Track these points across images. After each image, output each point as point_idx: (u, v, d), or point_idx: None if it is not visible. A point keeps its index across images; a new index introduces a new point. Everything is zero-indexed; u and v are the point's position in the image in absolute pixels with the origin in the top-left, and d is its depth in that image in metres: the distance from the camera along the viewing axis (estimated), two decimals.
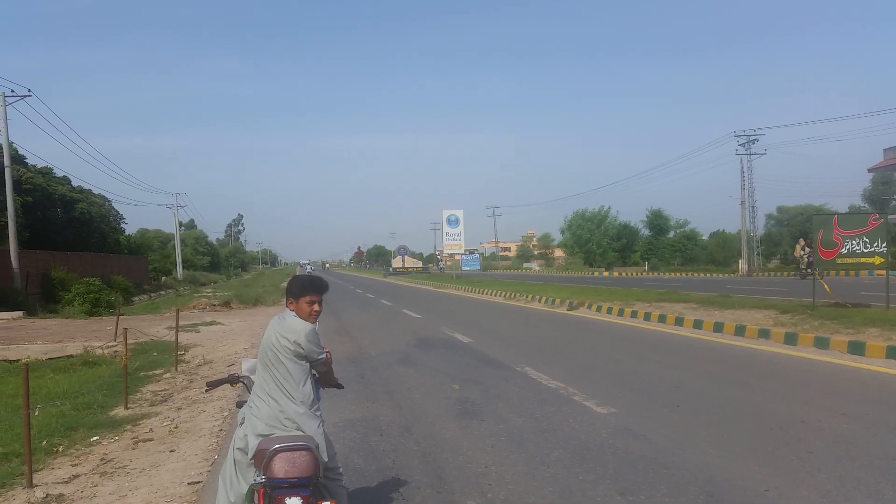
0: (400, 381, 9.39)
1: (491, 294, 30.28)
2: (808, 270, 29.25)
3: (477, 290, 33.55)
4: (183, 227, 73.20)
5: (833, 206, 72.97)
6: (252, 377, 3.74)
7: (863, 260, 14.98)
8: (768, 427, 6.20)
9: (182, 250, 66.05)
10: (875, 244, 14.74)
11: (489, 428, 6.54)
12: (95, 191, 47.62)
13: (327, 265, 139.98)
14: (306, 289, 3.62)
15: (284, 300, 3.71)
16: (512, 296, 27.42)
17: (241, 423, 3.54)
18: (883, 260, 14.93)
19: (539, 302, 23.95)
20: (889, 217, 16.36)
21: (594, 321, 17.17)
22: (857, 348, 10.17)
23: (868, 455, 5.26)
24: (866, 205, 67.31)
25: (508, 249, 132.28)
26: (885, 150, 45.37)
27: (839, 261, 14.97)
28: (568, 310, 20.51)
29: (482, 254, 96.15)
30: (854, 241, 14.75)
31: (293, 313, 3.62)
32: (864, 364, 9.35)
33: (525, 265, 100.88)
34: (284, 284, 3.83)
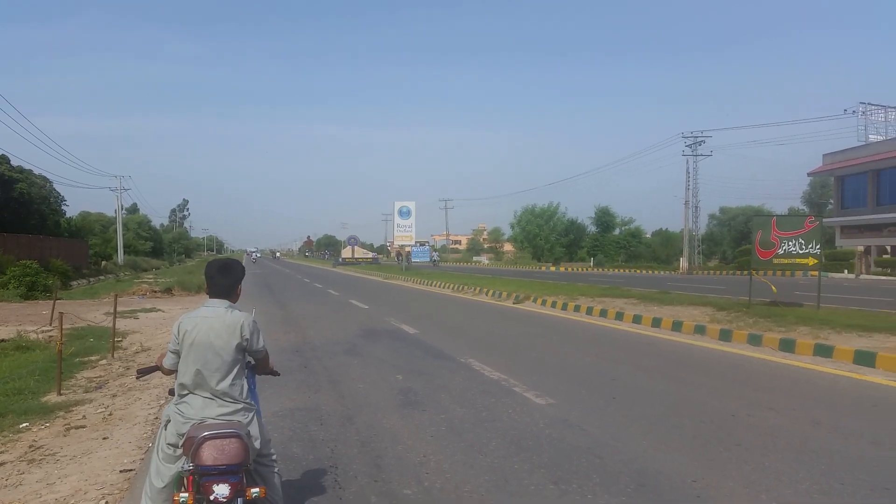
0: (344, 371, 9.37)
1: (439, 286, 30.37)
2: None
3: (426, 282, 33.60)
4: (126, 212, 71.23)
5: (774, 207, 75.60)
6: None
7: (798, 261, 15.54)
8: (700, 420, 6.41)
9: (124, 235, 64.23)
10: (810, 246, 15.31)
11: (430, 418, 6.59)
12: (36, 171, 46.01)
13: (278, 254, 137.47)
14: (241, 273, 3.66)
15: (218, 292, 3.61)
16: (460, 288, 27.56)
17: (167, 422, 3.47)
18: (816, 261, 15.52)
19: (486, 295, 24.14)
20: (824, 220, 16.99)
21: (539, 315, 17.39)
22: (787, 346, 10.55)
23: (791, 448, 5.48)
24: (805, 207, 69.83)
25: (459, 243, 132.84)
26: (824, 154, 47.00)
27: (775, 261, 15.50)
28: (514, 303, 20.72)
29: (433, 246, 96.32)
30: (790, 243, 15.29)
31: (227, 302, 3.58)
32: (794, 361, 9.71)
33: (475, 258, 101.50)
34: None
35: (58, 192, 51.09)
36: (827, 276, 26.19)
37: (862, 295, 20.00)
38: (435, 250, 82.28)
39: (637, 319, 14.72)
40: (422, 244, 76.31)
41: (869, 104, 44.93)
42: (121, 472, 5.23)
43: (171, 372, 3.65)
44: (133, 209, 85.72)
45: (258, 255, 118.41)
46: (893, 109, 45.09)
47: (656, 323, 13.96)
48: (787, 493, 4.46)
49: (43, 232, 41.80)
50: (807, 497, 4.40)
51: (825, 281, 14.50)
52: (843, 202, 45.98)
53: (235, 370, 3.47)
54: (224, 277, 3.62)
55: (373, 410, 6.97)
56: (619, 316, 15.45)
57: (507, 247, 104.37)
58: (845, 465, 5.02)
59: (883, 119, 44.87)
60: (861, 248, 42.09)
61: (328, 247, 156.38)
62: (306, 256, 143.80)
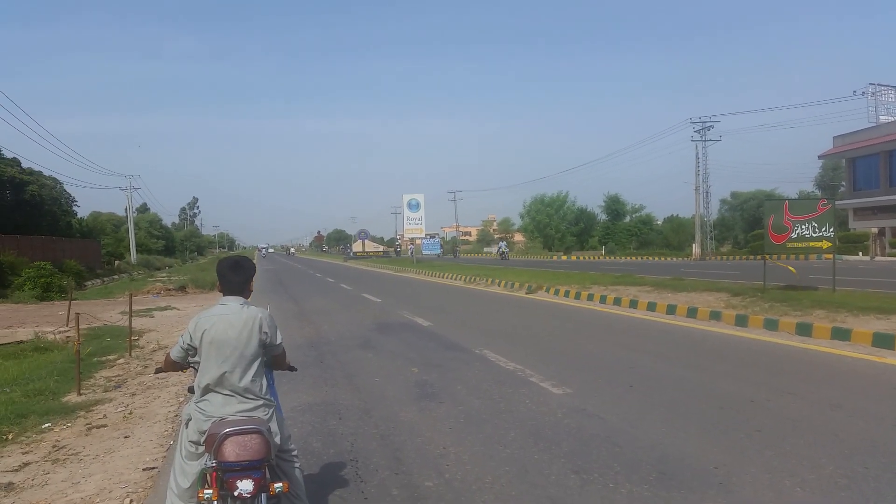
0: (359, 365, 9.39)
1: (451, 278, 30.38)
2: None
3: (437, 274, 33.62)
4: (136, 211, 71.57)
5: (785, 191, 75.04)
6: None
7: (811, 244, 15.42)
8: (719, 407, 6.38)
9: (136, 234, 64.60)
10: (823, 229, 15.17)
11: (448, 410, 6.60)
12: (46, 173, 46.34)
13: (292, 250, 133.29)
14: (253, 270, 3.68)
15: (232, 289, 3.63)
16: (472, 280, 27.55)
17: (188, 421, 3.50)
18: (830, 244, 15.39)
19: (499, 286, 24.12)
20: (837, 203, 16.86)
21: (552, 304, 17.37)
22: (804, 330, 10.49)
23: (812, 432, 5.46)
24: (817, 190, 69.29)
25: (469, 234, 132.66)
26: (834, 137, 46.61)
27: (789, 245, 15.39)
28: (527, 293, 20.70)
29: (443, 238, 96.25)
30: (803, 226, 15.17)
31: (241, 299, 3.60)
32: (811, 345, 9.66)
33: (485, 249, 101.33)
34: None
35: (68, 194, 51.45)
36: (841, 258, 26.03)
37: (878, 277, 19.85)
38: (501, 241, 75.75)
39: (651, 307, 14.67)
40: (432, 236, 76.25)
41: (879, 85, 44.46)
42: (144, 470, 5.28)
43: (180, 366, 3.67)
44: (143, 208, 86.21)
45: (270, 250, 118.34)
46: None
47: (671, 310, 13.91)
48: (811, 479, 4.44)
49: (55, 233, 42.09)
50: (831, 482, 4.38)
51: (840, 264, 14.38)
52: (855, 184, 45.61)
53: (256, 366, 3.48)
54: (236, 274, 3.64)
55: (390, 403, 6.99)
56: (634, 304, 15.40)
57: (518, 237, 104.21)
58: (868, 449, 4.99)
59: (893, 100, 44.39)
60: (875, 230, 41.76)
61: (339, 241, 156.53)
62: (324, 251, 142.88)
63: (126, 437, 6.33)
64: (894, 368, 7.93)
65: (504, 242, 72.42)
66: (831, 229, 15.27)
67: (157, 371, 4.03)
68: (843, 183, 51.56)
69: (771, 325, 11.15)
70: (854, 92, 45.30)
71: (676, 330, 11.80)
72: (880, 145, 41.29)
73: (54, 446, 6.10)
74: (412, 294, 22.81)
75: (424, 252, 64.35)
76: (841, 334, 9.85)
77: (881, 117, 43.65)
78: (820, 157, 52.91)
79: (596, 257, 61.54)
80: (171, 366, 3.71)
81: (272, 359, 3.78)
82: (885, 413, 5.98)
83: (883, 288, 15.13)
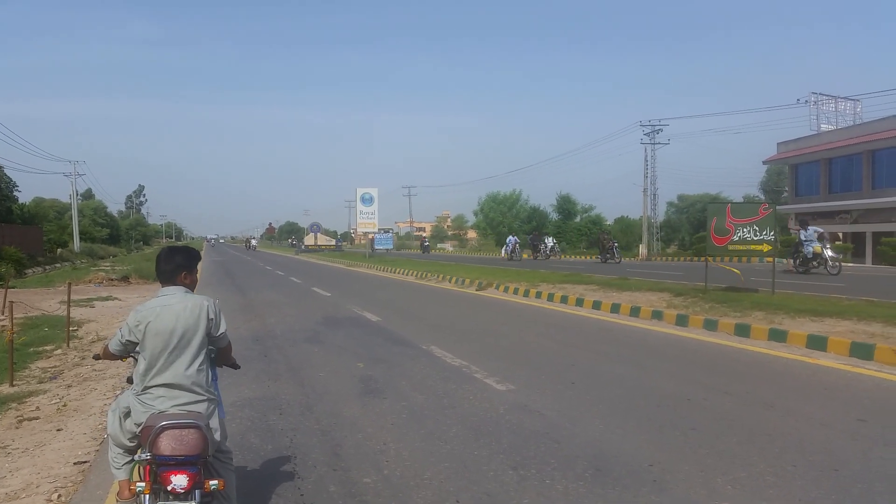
0: (305, 359, 9.31)
1: (403, 274, 30.32)
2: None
3: (389, 269, 33.51)
4: (81, 197, 69.54)
5: (731, 195, 77.04)
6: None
7: (752, 247, 15.84)
8: (656, 404, 6.52)
9: (80, 221, 62.68)
10: (764, 232, 15.61)
11: (391, 406, 6.59)
12: None
13: (253, 242, 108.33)
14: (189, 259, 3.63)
15: (166, 278, 3.59)
16: (423, 276, 27.54)
17: (126, 413, 3.43)
18: (770, 247, 15.85)
19: (449, 282, 24.17)
20: (779, 208, 17.36)
21: (501, 301, 17.49)
22: (742, 330, 10.78)
23: (745, 431, 5.61)
24: (762, 194, 71.24)
25: (423, 230, 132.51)
26: (778, 143, 47.93)
27: (731, 247, 15.79)
28: (477, 290, 20.79)
29: (396, 233, 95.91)
30: (745, 229, 15.57)
31: (183, 289, 3.53)
32: (749, 345, 9.93)
33: (439, 246, 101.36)
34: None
35: (9, 178, 49.55)
36: (782, 262, 26.75)
37: (815, 281, 20.50)
38: (399, 238, 75.72)
39: (597, 305, 14.89)
40: (385, 231, 75.95)
41: (820, 94, 45.88)
42: (75, 464, 5.14)
43: (117, 357, 3.61)
44: (88, 195, 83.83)
45: (221, 240, 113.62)
46: (843, 100, 46.10)
47: (615, 309, 14.14)
48: (742, 477, 4.56)
49: None
50: (760, 479, 4.51)
51: (780, 267, 14.80)
52: (796, 190, 46.99)
53: (202, 357, 3.43)
54: (166, 263, 3.59)
55: (333, 399, 6.95)
56: (580, 302, 15.61)
57: (471, 234, 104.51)
58: (797, 448, 5.15)
59: (833, 109, 45.85)
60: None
61: (291, 233, 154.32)
62: (265, 243, 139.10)
63: (59, 429, 6.15)
64: (825, 369, 8.21)
65: (427, 240, 78.34)
66: (772, 233, 15.72)
67: (96, 358, 3.93)
68: (787, 188, 53.09)
69: (710, 326, 11.42)
70: (798, 100, 46.69)
71: (619, 328, 12.00)
72: (821, 153, 42.62)
73: None
74: (363, 289, 22.69)
75: (377, 247, 63.92)
76: (777, 335, 10.15)
77: (822, 126, 45.04)
78: (765, 163, 54.30)
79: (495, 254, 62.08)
80: (111, 356, 3.63)
81: (217, 353, 3.72)
82: (814, 413, 6.19)
83: (819, 291, 15.63)
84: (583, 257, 51.37)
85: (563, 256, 52.18)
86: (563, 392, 7.08)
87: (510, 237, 50.09)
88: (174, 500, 3.08)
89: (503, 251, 50.25)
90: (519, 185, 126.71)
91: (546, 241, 49.95)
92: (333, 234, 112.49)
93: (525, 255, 47.98)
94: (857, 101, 46.04)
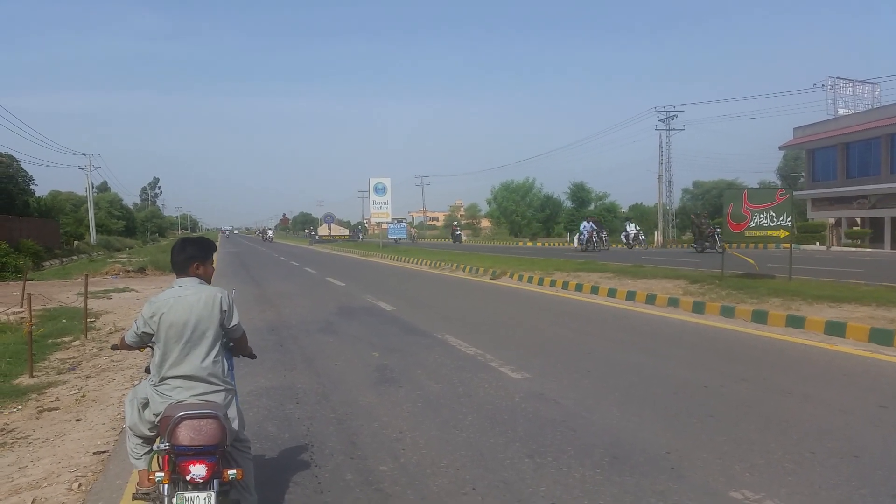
0: (320, 349, 9.34)
1: (417, 263, 30.32)
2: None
3: (403, 258, 33.54)
4: (96, 190, 70.04)
5: (747, 181, 76.42)
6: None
7: (769, 233, 15.70)
8: (673, 392, 6.48)
9: (96, 214, 63.18)
10: (781, 218, 15.45)
11: (406, 394, 6.60)
12: (2, 150, 44.98)
13: (270, 233, 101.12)
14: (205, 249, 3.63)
15: (179, 269, 3.60)
16: (437, 265, 27.53)
17: (145, 404, 3.45)
18: (787, 233, 15.69)
19: (463, 271, 24.15)
20: (796, 193, 17.19)
21: (515, 290, 17.46)
22: (759, 317, 10.70)
23: (763, 418, 5.57)
24: (778, 180, 70.58)
25: (437, 219, 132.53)
26: (794, 128, 47.41)
27: (747, 234, 15.66)
28: (491, 279, 20.77)
29: (410, 223, 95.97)
30: (762, 215, 15.42)
31: (197, 280, 3.54)
32: (766, 332, 9.85)
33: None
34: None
35: (26, 172, 49.94)
36: (799, 248, 26.56)
37: (833, 266, 20.31)
38: (413, 227, 73.63)
39: (612, 293, 14.82)
40: (399, 221, 76.05)
41: (837, 78, 45.32)
42: (94, 453, 5.19)
43: (134, 348, 3.63)
44: (104, 187, 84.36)
45: (235, 231, 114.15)
46: (861, 83, 45.53)
47: (630, 296, 14.07)
48: (760, 463, 4.53)
49: (11, 212, 40.86)
50: (779, 466, 4.48)
51: (797, 253, 14.68)
52: (813, 175, 46.53)
53: (217, 347, 3.45)
54: (179, 253, 3.59)
55: (349, 388, 6.97)
56: (595, 290, 15.55)
57: (485, 223, 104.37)
58: (815, 435, 5.11)
59: (851, 93, 45.29)
60: (832, 221, 42.70)
61: (305, 224, 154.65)
62: (279, 234, 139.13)
63: (78, 420, 6.21)
64: (844, 355, 8.13)
65: (459, 228, 70.22)
66: (789, 219, 15.55)
67: (114, 348, 3.96)
68: (804, 174, 52.58)
69: (727, 313, 11.34)
70: (814, 84, 46.14)
71: (635, 316, 11.95)
72: (838, 137, 42.13)
73: (2, 430, 5.96)
74: (377, 279, 22.73)
75: (390, 237, 64.03)
76: (795, 322, 10.07)
77: (839, 110, 44.51)
78: (781, 148, 53.79)
79: (561, 244, 61.96)
80: (127, 347, 3.65)
81: (234, 343, 3.74)
82: (833, 399, 6.13)
83: (837, 277, 15.47)
84: (675, 246, 45.36)
85: (649, 246, 44.11)
86: (579, 380, 7.05)
87: (585, 223, 38.18)
88: (193, 489, 3.09)
89: (575, 240, 41.67)
90: (532, 174, 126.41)
91: (628, 227, 42.25)
92: (347, 225, 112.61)
93: (615, 245, 40.56)
94: (876, 84, 45.49)
